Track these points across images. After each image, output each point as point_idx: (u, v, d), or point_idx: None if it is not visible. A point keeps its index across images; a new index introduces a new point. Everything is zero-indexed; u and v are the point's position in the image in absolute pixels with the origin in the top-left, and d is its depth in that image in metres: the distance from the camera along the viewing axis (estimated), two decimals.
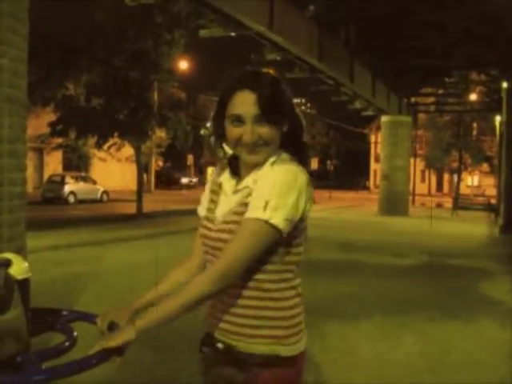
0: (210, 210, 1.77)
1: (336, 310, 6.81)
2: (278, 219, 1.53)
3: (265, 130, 1.61)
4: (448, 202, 32.02)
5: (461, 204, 27.92)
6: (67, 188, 27.20)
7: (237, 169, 1.74)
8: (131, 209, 20.08)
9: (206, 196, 1.84)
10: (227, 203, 1.70)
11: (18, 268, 1.49)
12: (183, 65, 27.31)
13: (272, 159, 1.65)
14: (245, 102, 1.60)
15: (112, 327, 1.66)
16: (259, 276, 1.61)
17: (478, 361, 5.10)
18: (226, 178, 1.75)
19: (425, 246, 13.42)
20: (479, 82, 27.54)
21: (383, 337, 5.74)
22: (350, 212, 26.55)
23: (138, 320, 1.56)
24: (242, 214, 1.60)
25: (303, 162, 1.68)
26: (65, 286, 7.44)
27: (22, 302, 1.43)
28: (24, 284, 1.49)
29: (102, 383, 4.22)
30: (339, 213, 25.27)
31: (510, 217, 17.44)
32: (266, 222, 1.52)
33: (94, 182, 29.57)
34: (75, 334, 1.65)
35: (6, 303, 1.36)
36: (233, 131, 1.64)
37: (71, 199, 27.10)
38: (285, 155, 1.67)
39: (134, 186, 22.65)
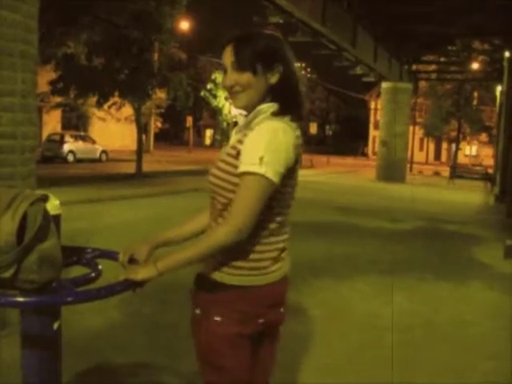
0: None
1: (331, 269, 7.04)
2: (272, 172, 1.70)
3: (239, 76, 1.79)
4: (445, 171, 32.19)
5: (458, 173, 28.09)
6: (66, 147, 27.21)
7: None
8: (130, 168, 20.20)
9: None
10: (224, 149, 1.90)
11: (52, 204, 1.66)
12: (184, 25, 27.08)
13: (259, 108, 1.81)
14: (226, 53, 1.82)
15: (132, 261, 1.84)
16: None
17: (465, 318, 5.34)
18: (235, 131, 1.94)
19: (420, 212, 13.65)
20: (482, 50, 27.40)
21: (376, 295, 5.97)
22: (347, 177, 26.74)
23: (159, 261, 1.72)
24: (231, 155, 1.78)
25: (296, 115, 1.82)
26: (68, 241, 7.63)
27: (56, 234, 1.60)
28: (56, 219, 1.66)
29: (108, 329, 4.47)
30: (337, 178, 25.46)
31: (505, 186, 17.63)
32: (262, 175, 1.69)
33: (93, 142, 29.56)
34: (100, 267, 1.83)
35: (45, 233, 1.53)
36: (221, 81, 1.87)
37: (70, 158, 27.14)
38: (273, 109, 1.80)
39: (132, 146, 22.73)
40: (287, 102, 1.82)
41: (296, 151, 1.77)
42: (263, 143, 1.70)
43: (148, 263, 1.77)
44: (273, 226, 1.82)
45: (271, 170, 1.69)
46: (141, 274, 1.69)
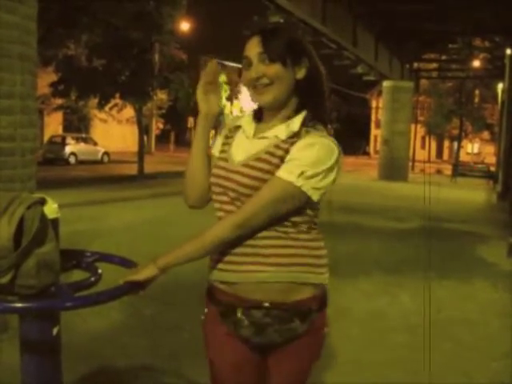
0: (224, 152, 1.84)
1: (335, 268, 6.88)
2: (308, 187, 1.67)
3: (267, 68, 1.71)
4: (447, 169, 32.10)
5: (460, 171, 28.00)
6: (68, 149, 27.25)
7: (260, 115, 1.83)
8: (132, 170, 20.20)
9: (219, 140, 1.92)
10: (250, 146, 1.77)
11: (50, 208, 1.63)
12: (185, 26, 27.06)
13: (303, 115, 1.74)
14: (251, 45, 1.74)
15: (133, 265, 1.81)
16: (290, 229, 1.75)
17: (470, 318, 5.30)
18: (247, 121, 1.84)
19: (423, 210, 13.58)
20: (483, 48, 27.33)
21: (380, 294, 5.93)
22: (349, 176, 26.63)
23: (158, 259, 1.68)
24: (267, 162, 1.70)
25: (324, 120, 1.77)
26: (69, 244, 7.58)
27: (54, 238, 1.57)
28: (54, 222, 1.63)
29: (109, 331, 4.44)
30: (339, 177, 25.35)
31: (508, 184, 17.57)
32: (298, 188, 1.66)
33: (95, 143, 29.61)
34: (99, 271, 1.79)
35: (42, 237, 1.50)
36: (244, 75, 1.77)
37: (72, 160, 27.18)
38: (303, 117, 1.74)
39: (134, 147, 22.72)
40: (313, 102, 1.77)
41: (340, 168, 1.77)
42: (310, 158, 1.66)
43: (147, 263, 1.72)
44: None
45: (308, 185, 1.67)
46: (142, 273, 1.66)
